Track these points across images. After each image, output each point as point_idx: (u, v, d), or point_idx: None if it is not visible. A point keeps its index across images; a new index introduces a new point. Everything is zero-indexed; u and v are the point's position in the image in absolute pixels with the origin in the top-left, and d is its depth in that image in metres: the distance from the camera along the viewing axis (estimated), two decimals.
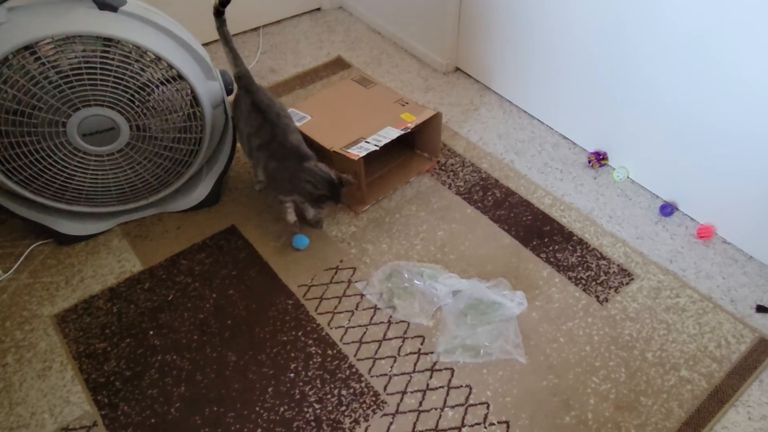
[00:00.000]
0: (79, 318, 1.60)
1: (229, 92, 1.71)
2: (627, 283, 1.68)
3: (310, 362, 1.50)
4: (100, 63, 1.46)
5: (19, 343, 1.55)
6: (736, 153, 1.66)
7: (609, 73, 1.90)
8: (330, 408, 1.42)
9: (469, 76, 2.48)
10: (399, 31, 2.63)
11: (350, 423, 1.39)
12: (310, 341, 1.55)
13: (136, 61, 1.50)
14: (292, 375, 1.48)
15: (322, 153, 1.83)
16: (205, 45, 2.62)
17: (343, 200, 1.67)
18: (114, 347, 1.54)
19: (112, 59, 1.47)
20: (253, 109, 1.66)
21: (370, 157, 1.77)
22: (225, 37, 1.74)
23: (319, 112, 1.94)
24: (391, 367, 1.50)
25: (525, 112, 2.29)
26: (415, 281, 1.65)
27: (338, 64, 2.54)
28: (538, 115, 2.25)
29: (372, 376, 1.48)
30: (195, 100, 1.61)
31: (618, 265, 1.73)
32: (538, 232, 1.82)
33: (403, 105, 1.95)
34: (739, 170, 1.67)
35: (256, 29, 2.76)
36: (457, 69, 2.51)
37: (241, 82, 1.73)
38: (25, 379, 1.48)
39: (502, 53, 2.26)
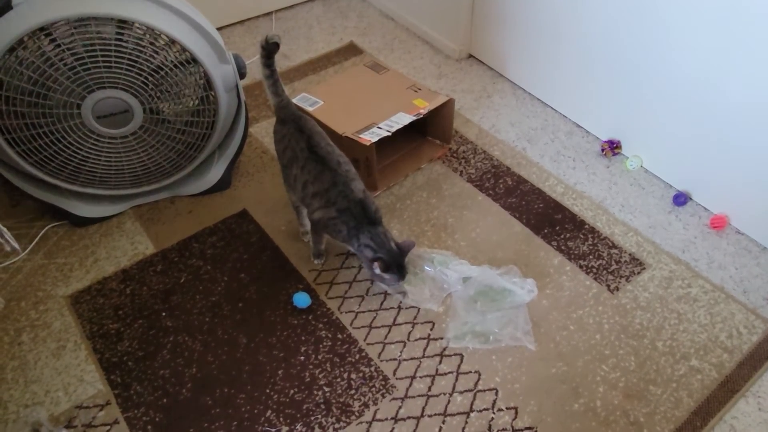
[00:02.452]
0: (92, 299, 1.62)
1: (242, 76, 1.71)
2: (638, 273, 1.67)
3: (320, 346, 1.52)
4: (115, 45, 1.46)
5: (34, 322, 1.58)
6: (752, 143, 1.64)
7: (624, 60, 1.87)
8: (339, 391, 1.43)
9: (482, 62, 2.46)
10: (412, 17, 2.61)
11: (359, 406, 1.40)
12: (321, 325, 1.56)
13: (150, 43, 1.50)
14: (302, 358, 1.49)
15: (333, 138, 1.83)
16: (218, 29, 2.62)
17: (404, 277, 1.53)
18: (127, 328, 1.56)
19: (127, 41, 1.47)
20: (312, 155, 1.52)
21: (382, 143, 1.77)
22: (267, 61, 1.59)
23: (331, 97, 1.94)
24: (401, 352, 1.50)
25: (538, 99, 2.27)
26: (426, 267, 1.65)
27: (351, 50, 2.53)
28: (552, 103, 2.23)
29: (382, 361, 1.49)
30: (208, 83, 1.61)
31: (630, 254, 1.72)
32: (550, 220, 1.82)
33: (416, 91, 1.94)
34: (755, 160, 1.65)
35: (268, 14, 2.75)
36: (470, 56, 2.49)
37: (286, 114, 1.60)
38: (39, 357, 1.50)
39: (515, 40, 2.23)
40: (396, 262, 1.50)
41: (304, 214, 1.69)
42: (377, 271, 1.49)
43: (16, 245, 1.66)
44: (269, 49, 1.56)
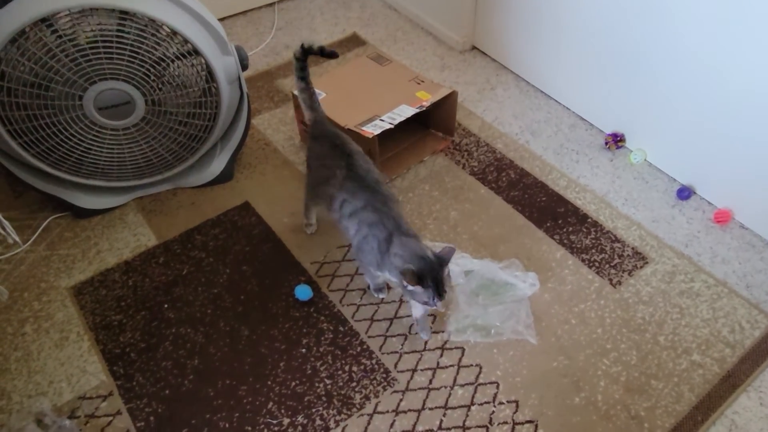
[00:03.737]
0: (95, 290, 1.63)
1: (244, 67, 1.70)
2: (641, 267, 1.67)
3: (322, 338, 1.52)
4: (116, 36, 1.46)
5: (37, 313, 1.58)
6: (758, 137, 1.62)
7: (629, 53, 1.86)
8: (341, 384, 1.43)
9: (485, 54, 2.44)
10: (415, 8, 2.60)
11: (360, 399, 1.41)
12: (322, 317, 1.56)
13: (152, 34, 1.50)
14: (303, 350, 1.50)
15: None
16: (220, 20, 2.61)
17: (444, 296, 1.29)
18: (129, 319, 1.56)
19: (128, 33, 1.47)
20: (350, 174, 1.45)
21: (385, 135, 1.76)
22: (302, 74, 1.59)
23: (334, 89, 1.93)
24: (402, 345, 1.50)
25: (542, 92, 2.26)
26: None
27: (353, 41, 2.51)
28: (555, 96, 2.22)
29: (383, 353, 1.49)
30: (210, 75, 1.61)
31: (632, 248, 1.71)
32: (552, 213, 1.81)
33: (419, 83, 1.93)
34: (760, 155, 1.64)
35: (271, 5, 2.73)
36: (474, 47, 2.48)
37: (321, 129, 1.56)
38: (42, 348, 1.51)
39: (519, 32, 2.22)
40: (432, 274, 1.24)
41: (313, 212, 1.71)
42: (408, 286, 1.24)
43: (17, 238, 1.66)
44: (306, 57, 1.55)
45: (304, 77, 1.58)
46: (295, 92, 1.60)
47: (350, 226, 1.44)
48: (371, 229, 1.39)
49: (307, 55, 1.59)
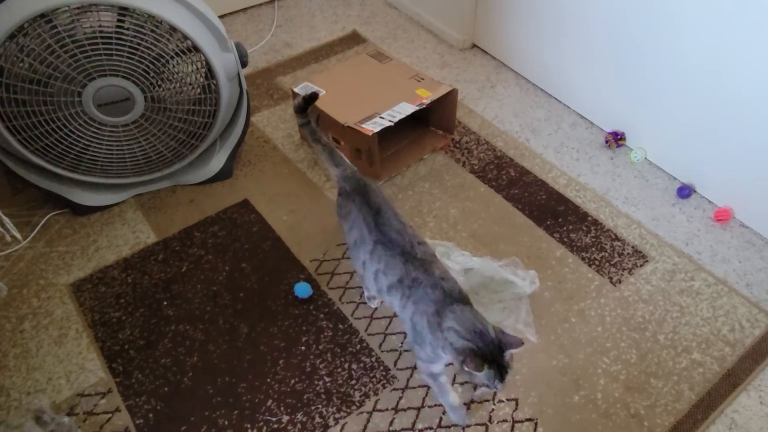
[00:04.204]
0: (94, 287, 1.62)
1: (244, 65, 1.70)
2: (641, 265, 1.67)
3: (321, 336, 1.52)
4: (116, 32, 1.45)
5: (36, 310, 1.58)
6: (758, 136, 1.62)
7: (630, 51, 1.86)
8: (340, 381, 1.43)
9: (485, 52, 2.44)
10: (416, 5, 2.59)
11: (360, 396, 1.40)
12: (322, 315, 1.56)
13: (151, 31, 1.49)
14: (303, 348, 1.49)
15: (335, 128, 1.82)
16: (220, 17, 2.60)
17: (505, 382, 1.11)
18: (128, 316, 1.56)
19: (128, 29, 1.46)
20: (381, 236, 1.27)
21: (384, 133, 1.76)
22: (314, 135, 1.45)
23: (333, 86, 1.92)
24: (402, 343, 1.50)
25: (542, 90, 2.25)
26: None
27: (353, 39, 2.51)
28: (556, 94, 2.22)
29: (382, 351, 1.49)
30: (210, 72, 1.60)
31: (633, 247, 1.71)
32: (553, 211, 1.81)
33: (419, 81, 1.93)
34: (760, 153, 1.64)
35: (271, 2, 2.73)
36: (474, 45, 2.47)
37: (351, 185, 1.38)
38: (41, 345, 1.51)
39: (519, 30, 2.21)
40: (493, 353, 1.09)
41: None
42: (467, 367, 1.07)
43: (17, 234, 1.66)
44: (307, 106, 1.41)
45: (318, 138, 1.43)
46: (316, 153, 1.44)
47: (393, 302, 1.27)
48: (417, 304, 1.20)
49: (308, 105, 1.45)
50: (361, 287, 1.61)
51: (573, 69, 2.09)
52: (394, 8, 2.70)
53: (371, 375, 1.44)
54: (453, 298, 1.17)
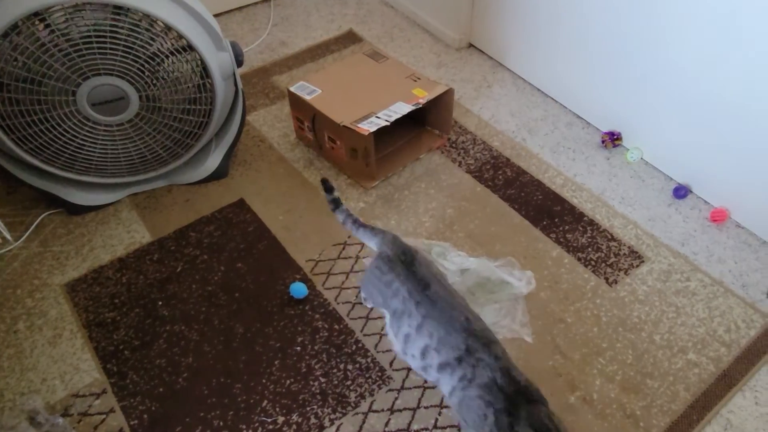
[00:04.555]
0: (88, 287, 1.62)
1: (239, 64, 1.69)
2: (637, 266, 1.67)
3: (317, 336, 1.51)
4: (110, 31, 1.44)
5: (30, 310, 1.57)
6: (754, 136, 1.62)
7: (626, 51, 1.85)
8: (336, 382, 1.43)
9: (482, 52, 2.43)
10: (412, 5, 2.58)
11: (356, 397, 1.40)
12: (317, 316, 1.55)
13: (146, 30, 1.48)
14: (298, 348, 1.49)
15: (331, 127, 1.82)
16: (215, 15, 2.60)
17: None
18: (123, 317, 1.55)
19: (122, 28, 1.45)
20: (431, 309, 1.16)
21: (381, 132, 1.76)
22: (354, 223, 1.38)
23: (329, 86, 1.92)
24: None
25: (538, 90, 2.25)
26: None
27: (350, 38, 2.50)
28: (552, 94, 2.22)
29: (378, 352, 1.48)
30: (205, 71, 1.59)
31: (629, 247, 1.71)
32: (549, 212, 1.81)
33: (415, 80, 1.93)
34: (756, 154, 1.64)
35: (267, 0, 2.72)
36: (471, 45, 2.47)
37: (393, 249, 1.28)
38: (36, 345, 1.50)
39: (516, 29, 2.21)
40: None
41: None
42: None
43: (7, 235, 1.65)
44: (332, 188, 1.38)
45: (351, 219, 1.38)
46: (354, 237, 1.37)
47: (443, 381, 1.13)
48: (482, 393, 1.06)
49: (332, 188, 1.41)
50: (357, 288, 1.61)
51: (569, 69, 2.08)
52: (390, 7, 2.69)
53: (367, 376, 1.44)
54: (525, 395, 1.07)
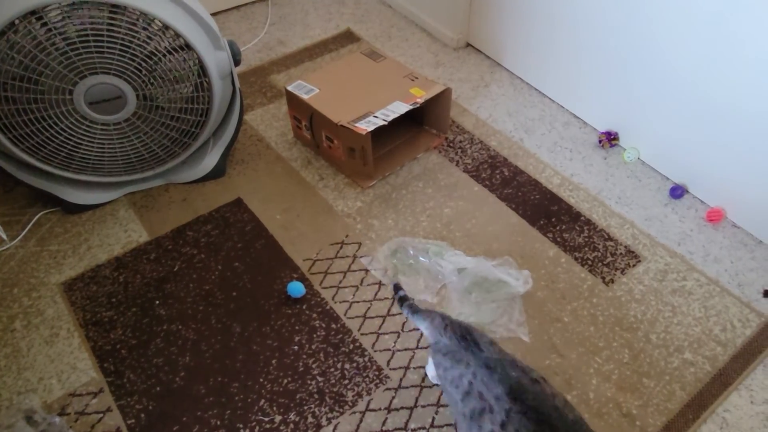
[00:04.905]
0: (85, 286, 1.61)
1: (237, 63, 1.69)
2: (634, 265, 1.67)
3: (314, 335, 1.51)
4: (107, 30, 1.44)
5: (27, 309, 1.57)
6: (750, 136, 1.63)
7: (623, 51, 1.86)
8: (333, 381, 1.43)
9: (480, 52, 2.44)
10: (410, 4, 2.59)
11: (353, 396, 1.40)
12: (315, 315, 1.55)
13: (143, 29, 1.48)
14: (296, 347, 1.49)
15: (329, 127, 1.82)
16: (213, 14, 2.60)
17: None
18: (120, 316, 1.55)
19: (119, 26, 1.45)
20: (521, 408, 0.99)
21: (378, 132, 1.76)
22: (410, 308, 1.29)
23: (327, 85, 1.92)
24: (395, 343, 1.50)
25: (536, 89, 2.26)
26: (421, 258, 1.64)
27: (347, 37, 2.50)
28: (550, 94, 2.22)
29: (375, 351, 1.48)
30: (202, 70, 1.59)
31: (625, 247, 1.72)
32: (546, 211, 1.81)
33: (413, 80, 1.93)
34: (753, 154, 1.65)
35: (264, 0, 2.72)
36: (468, 45, 2.47)
37: (462, 332, 1.14)
38: (32, 344, 1.50)
39: (514, 29, 2.21)
40: None
41: None
42: None
43: (3, 235, 1.65)
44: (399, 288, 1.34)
45: (413, 311, 1.28)
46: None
47: None
48: None
49: (398, 288, 1.37)
50: (354, 287, 1.61)
51: (567, 68, 2.09)
52: (388, 7, 2.69)
53: (364, 375, 1.44)
54: None
